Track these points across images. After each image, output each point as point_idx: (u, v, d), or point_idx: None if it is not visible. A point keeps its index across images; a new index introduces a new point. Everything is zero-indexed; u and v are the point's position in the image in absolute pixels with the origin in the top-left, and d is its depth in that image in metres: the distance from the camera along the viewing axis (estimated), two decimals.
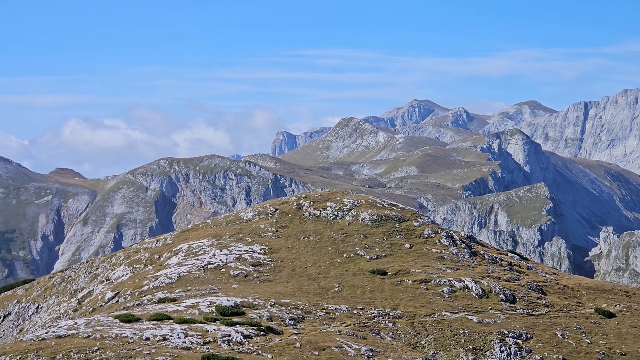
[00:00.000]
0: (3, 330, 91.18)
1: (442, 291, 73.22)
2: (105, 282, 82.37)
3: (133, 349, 49.14)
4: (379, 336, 60.82)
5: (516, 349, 63.84)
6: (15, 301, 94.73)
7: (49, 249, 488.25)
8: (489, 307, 71.29)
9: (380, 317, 65.24)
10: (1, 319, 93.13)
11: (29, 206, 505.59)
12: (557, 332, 67.39)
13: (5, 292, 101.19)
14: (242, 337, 53.41)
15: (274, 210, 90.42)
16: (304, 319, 61.61)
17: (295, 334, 56.48)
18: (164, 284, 71.32)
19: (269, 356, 50.66)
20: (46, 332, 53.28)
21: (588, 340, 67.18)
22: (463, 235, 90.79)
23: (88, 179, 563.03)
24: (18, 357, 47.97)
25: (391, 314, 66.28)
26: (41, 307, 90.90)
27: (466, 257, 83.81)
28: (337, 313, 64.40)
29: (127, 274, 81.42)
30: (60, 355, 48.09)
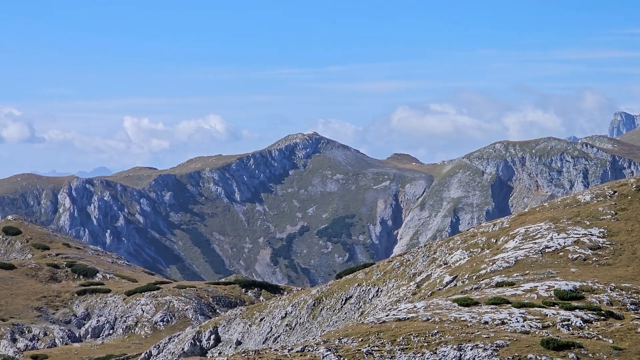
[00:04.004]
0: (345, 313, 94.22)
1: None
2: (443, 266, 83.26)
3: (472, 333, 49.42)
4: None
5: None
6: (356, 284, 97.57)
7: (387, 233, 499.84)
8: None
9: None
10: (343, 301, 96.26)
11: (368, 191, 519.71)
12: None
13: (347, 276, 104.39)
14: (581, 322, 52.47)
15: (612, 192, 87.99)
16: None
17: (637, 318, 54.81)
18: (501, 268, 71.21)
19: (610, 341, 49.48)
20: (386, 315, 54.59)
21: None
22: None
23: (424, 164, 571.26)
24: (360, 339, 49.46)
25: None
26: (381, 291, 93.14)
27: None
28: None
29: (464, 257, 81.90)
30: (401, 337, 49.12)
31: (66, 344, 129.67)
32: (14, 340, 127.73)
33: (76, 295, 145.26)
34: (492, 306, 55.60)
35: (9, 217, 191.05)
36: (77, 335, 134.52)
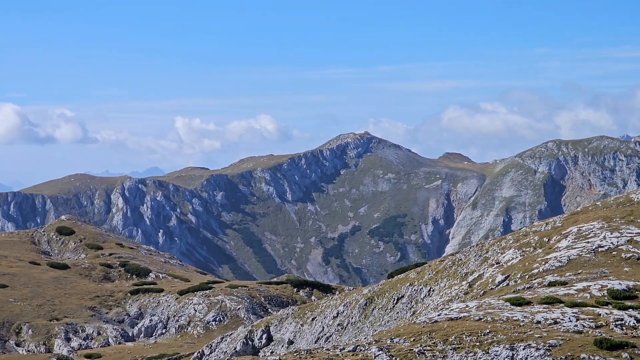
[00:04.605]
0: (397, 312, 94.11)
1: None
2: (495, 266, 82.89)
3: (524, 332, 49.19)
4: None
5: None
6: (408, 284, 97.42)
7: (439, 232, 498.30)
8: None
9: None
10: (395, 301, 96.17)
11: (419, 191, 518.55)
12: None
13: (399, 275, 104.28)
14: (635, 321, 52.03)
15: None
16: None
17: None
18: (553, 267, 70.77)
19: None
20: (438, 315, 54.47)
21: None
22: None
23: (476, 163, 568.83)
24: (412, 339, 49.41)
25: None
26: (433, 290, 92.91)
27: None
28: None
29: (516, 257, 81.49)
30: (453, 337, 49.01)
31: (119, 343, 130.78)
32: (68, 340, 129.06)
33: (129, 294, 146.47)
34: (545, 306, 55.30)
35: (63, 217, 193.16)
36: (130, 334, 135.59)
